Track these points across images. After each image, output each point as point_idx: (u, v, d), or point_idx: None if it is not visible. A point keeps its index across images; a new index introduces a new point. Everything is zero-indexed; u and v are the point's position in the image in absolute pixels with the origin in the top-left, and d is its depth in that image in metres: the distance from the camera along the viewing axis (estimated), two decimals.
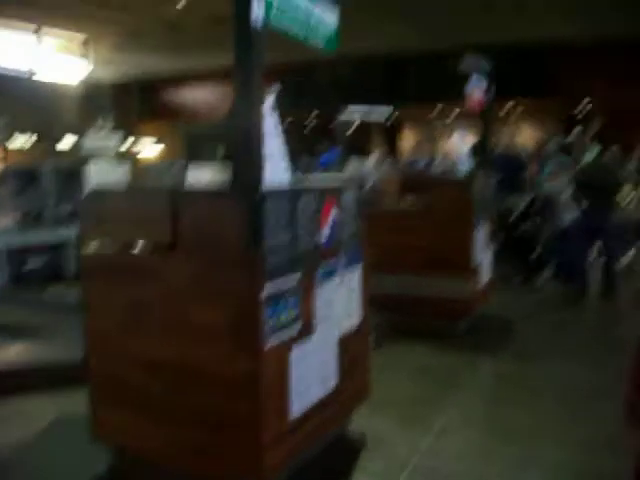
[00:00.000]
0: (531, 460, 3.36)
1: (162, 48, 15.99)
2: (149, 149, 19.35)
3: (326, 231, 3.04)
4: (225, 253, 2.62)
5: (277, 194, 2.70)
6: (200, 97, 20.60)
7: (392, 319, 5.44)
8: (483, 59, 6.35)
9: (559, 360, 5.06)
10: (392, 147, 18.55)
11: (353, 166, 9.27)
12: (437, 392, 4.32)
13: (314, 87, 17.50)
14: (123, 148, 13.13)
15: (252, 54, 2.55)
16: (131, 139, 16.07)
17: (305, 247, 2.87)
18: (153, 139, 19.83)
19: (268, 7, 2.62)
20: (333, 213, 3.10)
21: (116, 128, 12.55)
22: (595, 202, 7.13)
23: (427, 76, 16.71)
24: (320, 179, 4.27)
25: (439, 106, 18.14)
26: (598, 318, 6.88)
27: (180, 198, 2.74)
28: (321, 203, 3.01)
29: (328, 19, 3.18)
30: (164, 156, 18.72)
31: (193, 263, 2.69)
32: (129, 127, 17.11)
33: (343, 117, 16.10)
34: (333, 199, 3.13)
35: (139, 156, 17.40)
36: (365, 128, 16.85)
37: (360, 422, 3.63)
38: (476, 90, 6.46)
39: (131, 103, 20.22)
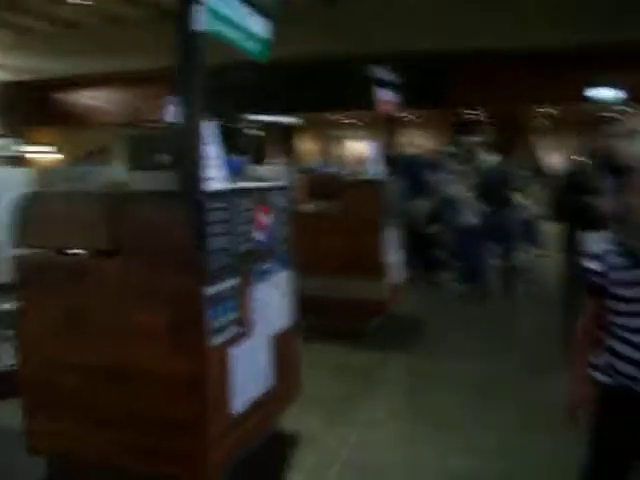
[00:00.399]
0: (457, 445, 3.56)
1: (56, 50, 15.47)
2: (41, 153, 18.60)
3: (262, 233, 3.12)
4: (167, 255, 2.64)
5: (218, 195, 2.75)
6: (95, 101, 20.03)
7: (309, 320, 5.57)
8: (388, 69, 6.63)
9: (466, 354, 5.35)
10: (294, 153, 18.76)
11: (259, 173, 9.30)
12: (358, 388, 4.48)
13: (214, 94, 17.41)
14: (13, 152, 12.59)
15: (194, 58, 2.60)
16: (22, 143, 15.40)
17: (244, 248, 2.93)
18: (46, 143, 19.09)
19: (206, 11, 2.67)
20: (268, 216, 3.19)
21: (6, 131, 12.02)
22: (494, 205, 7.57)
23: (330, 83, 16.99)
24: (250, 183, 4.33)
25: (340, 112, 18.56)
26: (499, 315, 7.29)
27: (120, 201, 2.74)
28: (257, 205, 3.09)
29: (260, 27, 3.26)
30: (60, 160, 18.05)
31: (133, 266, 2.69)
32: (19, 131, 16.40)
33: (245, 125, 16.12)
34: (268, 202, 3.21)
35: (32, 160, 16.68)
36: (268, 135, 16.93)
37: (291, 419, 3.73)
38: (384, 97, 6.74)
39: (22, 106, 19.38)
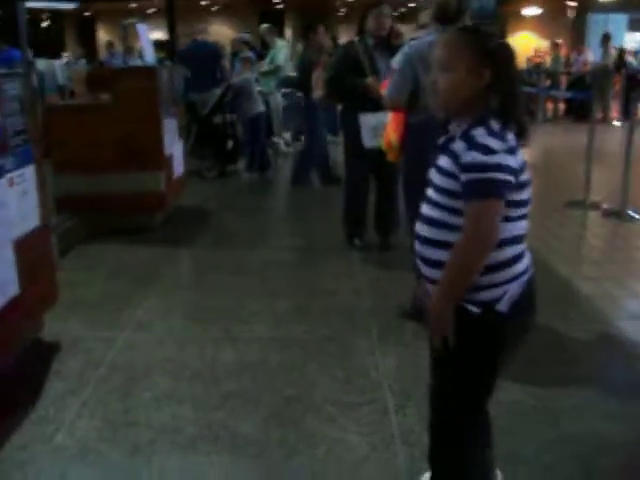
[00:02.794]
0: (234, 337, 3.55)
1: None
2: None
3: None
4: None
5: None
6: None
7: (88, 220, 5.24)
8: None
9: (255, 243, 5.35)
10: (88, 47, 17.23)
11: (42, 66, 8.41)
12: (134, 288, 4.29)
13: None
14: None
15: None
16: None
17: None
18: None
19: None
20: None
21: None
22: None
23: None
24: None
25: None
26: (291, 201, 7.37)
27: None
28: None
29: None
30: None
31: None
32: None
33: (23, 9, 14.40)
34: None
35: None
36: (58, 28, 15.33)
37: (54, 326, 3.50)
38: None
39: None
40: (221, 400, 2.91)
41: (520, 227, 1.78)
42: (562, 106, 14.87)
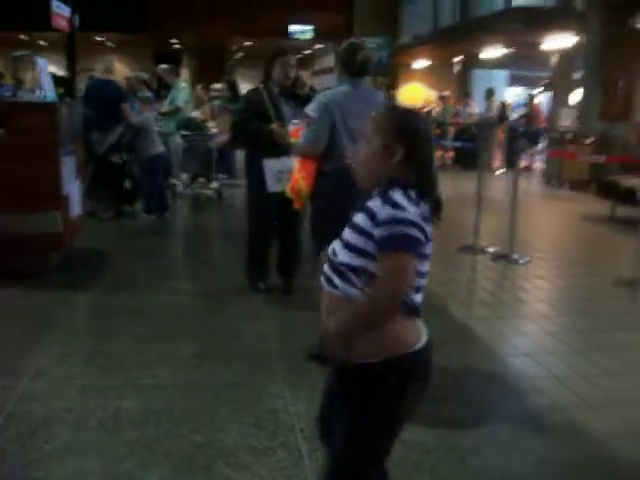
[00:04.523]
0: (137, 385, 3.46)
1: None
2: None
3: None
4: None
5: None
6: None
7: None
8: None
9: (154, 287, 5.26)
10: None
11: None
12: (31, 334, 4.11)
13: None
14: None
15: None
16: None
17: None
18: None
19: None
20: None
21: None
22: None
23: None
24: None
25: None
26: (188, 245, 7.31)
27: None
28: None
29: None
30: None
31: None
32: None
33: None
34: None
35: None
36: None
37: None
38: (59, 11, 6.10)
39: None
40: (127, 450, 2.84)
41: (417, 298, 1.86)
42: (450, 154, 15.65)
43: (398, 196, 1.78)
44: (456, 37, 16.46)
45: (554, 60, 14.78)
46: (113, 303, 4.82)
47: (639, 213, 7.18)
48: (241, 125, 4.92)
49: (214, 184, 9.41)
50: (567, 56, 13.83)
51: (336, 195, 3.47)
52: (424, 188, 1.84)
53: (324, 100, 3.68)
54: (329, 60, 18.70)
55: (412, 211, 1.76)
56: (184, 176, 9.70)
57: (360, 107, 3.51)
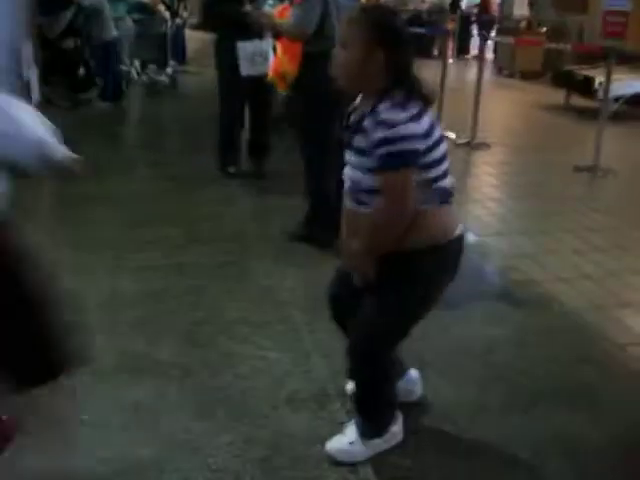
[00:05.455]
0: (132, 266, 3.50)
1: None
2: None
3: None
4: None
5: None
6: None
7: None
8: None
9: (123, 174, 5.20)
10: None
11: None
12: None
13: None
14: None
15: None
16: None
17: None
18: None
19: None
20: None
21: None
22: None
23: None
24: None
25: None
26: (152, 131, 7.16)
27: None
28: None
29: None
30: None
31: None
32: None
33: None
34: None
35: None
36: None
37: None
38: None
39: None
40: (129, 328, 2.91)
41: (446, 182, 1.93)
42: None
43: (386, 110, 1.78)
44: None
45: None
46: (84, 192, 4.72)
47: (593, 102, 7.37)
48: (214, 6, 4.75)
49: (168, 71, 9.11)
50: None
51: (320, 77, 3.44)
52: (410, 89, 1.84)
53: None
54: None
55: (401, 120, 1.77)
56: (137, 62, 9.35)
57: None
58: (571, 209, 4.84)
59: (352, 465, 2.12)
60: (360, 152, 1.86)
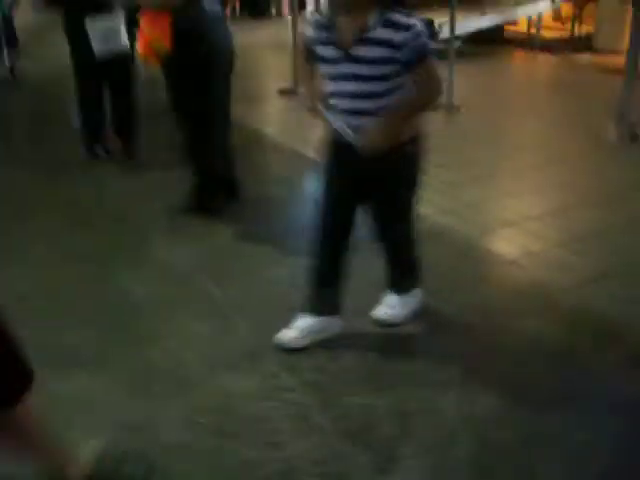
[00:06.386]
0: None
1: None
2: None
3: None
4: None
5: None
6: None
7: None
8: None
9: None
10: None
11: None
12: None
13: None
14: None
15: None
16: None
17: None
18: None
19: None
20: None
21: None
22: None
23: None
24: None
25: None
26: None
27: None
28: None
29: None
30: None
31: None
32: None
33: None
34: None
35: None
36: None
37: None
38: None
39: None
40: (42, 322, 2.79)
41: None
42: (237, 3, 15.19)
43: (400, 16, 2.18)
44: None
45: None
46: None
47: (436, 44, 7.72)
48: None
49: (5, 62, 8.40)
50: None
51: (195, 50, 3.51)
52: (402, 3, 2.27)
53: None
54: None
55: (417, 22, 2.19)
56: None
57: None
58: (441, 144, 5.13)
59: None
60: (380, 61, 2.20)
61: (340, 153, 2.46)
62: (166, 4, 3.46)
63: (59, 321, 2.83)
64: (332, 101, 2.39)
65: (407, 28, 2.16)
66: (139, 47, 3.64)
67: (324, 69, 2.37)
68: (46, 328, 2.72)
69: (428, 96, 2.34)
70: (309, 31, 2.39)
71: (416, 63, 2.20)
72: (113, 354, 2.60)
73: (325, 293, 2.63)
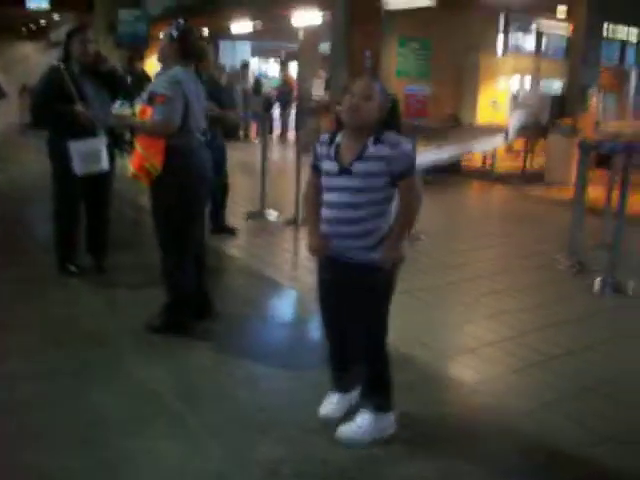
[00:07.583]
0: None
1: None
2: None
3: None
4: None
5: None
6: None
7: None
8: None
9: None
10: None
11: None
12: None
13: None
14: None
15: None
16: None
17: None
18: None
19: None
20: None
21: None
22: None
23: None
24: None
25: None
26: None
27: None
28: None
29: None
30: None
31: None
32: None
33: None
34: None
35: None
36: None
37: None
38: None
39: None
40: (12, 440, 2.81)
41: None
42: None
43: (393, 137, 2.65)
44: (204, 10, 16.60)
45: (301, 34, 15.69)
46: None
47: None
48: (42, 107, 4.75)
49: None
50: (313, 30, 14.73)
51: (190, 166, 3.84)
52: (397, 128, 2.74)
53: (175, 78, 3.71)
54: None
55: (407, 142, 2.67)
56: None
57: (195, 87, 3.83)
58: (402, 270, 5.35)
59: None
60: (370, 175, 2.63)
61: (328, 266, 2.87)
62: (164, 132, 3.72)
63: (28, 440, 2.83)
64: (324, 210, 2.78)
65: (399, 145, 2.62)
66: (132, 165, 3.80)
67: (323, 181, 2.79)
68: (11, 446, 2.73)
69: (415, 206, 2.72)
70: (316, 148, 2.84)
71: (403, 176, 2.63)
72: (83, 474, 2.60)
73: (341, 374, 3.06)
